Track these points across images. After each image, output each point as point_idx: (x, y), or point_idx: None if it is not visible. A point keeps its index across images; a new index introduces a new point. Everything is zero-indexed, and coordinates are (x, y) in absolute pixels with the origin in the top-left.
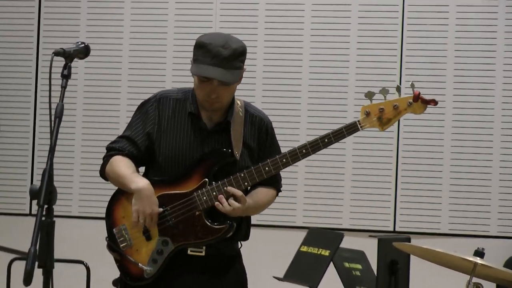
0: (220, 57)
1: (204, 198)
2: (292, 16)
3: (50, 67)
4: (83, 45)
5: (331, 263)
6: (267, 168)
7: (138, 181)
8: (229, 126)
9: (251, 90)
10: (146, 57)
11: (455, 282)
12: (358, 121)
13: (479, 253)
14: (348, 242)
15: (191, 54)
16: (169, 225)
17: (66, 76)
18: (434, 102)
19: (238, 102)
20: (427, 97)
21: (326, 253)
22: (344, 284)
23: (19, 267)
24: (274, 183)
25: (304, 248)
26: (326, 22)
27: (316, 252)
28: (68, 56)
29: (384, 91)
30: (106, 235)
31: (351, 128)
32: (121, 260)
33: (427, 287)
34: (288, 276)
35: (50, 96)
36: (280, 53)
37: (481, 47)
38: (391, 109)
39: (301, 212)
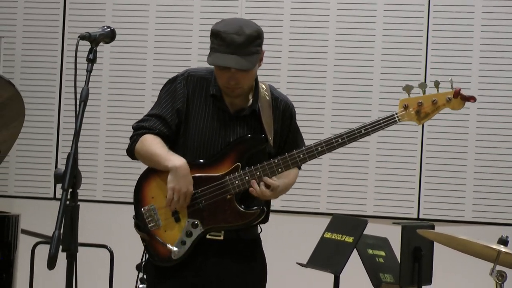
0: (235, 45)
1: (237, 182)
2: (317, 8)
3: (76, 51)
4: (109, 29)
5: (355, 249)
6: (301, 156)
7: (175, 160)
8: (257, 113)
9: (277, 82)
10: (171, 42)
11: (479, 270)
12: (396, 113)
13: (503, 241)
14: (372, 229)
15: None
16: (199, 207)
17: (91, 60)
18: (474, 99)
19: (263, 86)
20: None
21: (349, 239)
22: (367, 271)
23: (43, 251)
24: None
25: (328, 235)
26: (352, 15)
27: (339, 238)
28: (94, 40)
29: (423, 85)
30: (130, 220)
31: (389, 120)
32: (149, 240)
33: (450, 274)
34: (312, 263)
35: (75, 80)
36: (305, 45)
37: (507, 47)
38: (429, 104)
39: (325, 198)
